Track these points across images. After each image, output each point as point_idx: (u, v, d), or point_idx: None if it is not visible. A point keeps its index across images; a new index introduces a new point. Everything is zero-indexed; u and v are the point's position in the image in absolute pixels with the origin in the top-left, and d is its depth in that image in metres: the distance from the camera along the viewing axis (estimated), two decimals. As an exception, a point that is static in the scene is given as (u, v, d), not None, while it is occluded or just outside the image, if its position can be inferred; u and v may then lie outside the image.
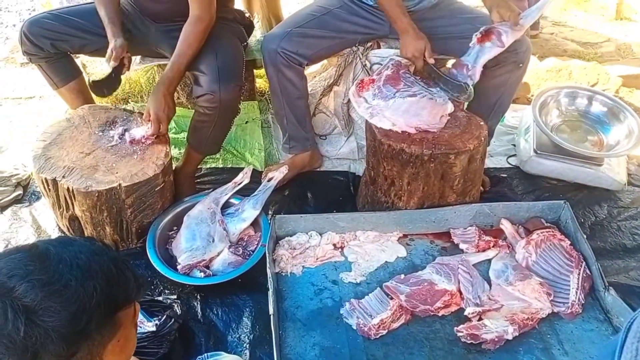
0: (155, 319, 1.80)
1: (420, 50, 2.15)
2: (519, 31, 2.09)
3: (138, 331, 1.78)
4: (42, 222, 2.31)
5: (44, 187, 2.09)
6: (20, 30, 2.24)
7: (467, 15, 2.29)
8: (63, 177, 2.00)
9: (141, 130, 2.15)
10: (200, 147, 2.31)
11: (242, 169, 2.58)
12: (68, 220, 2.14)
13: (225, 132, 2.31)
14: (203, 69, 2.14)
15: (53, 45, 2.25)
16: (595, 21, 4.13)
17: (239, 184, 2.28)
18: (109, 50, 2.18)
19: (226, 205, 2.26)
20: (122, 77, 2.29)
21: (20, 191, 2.45)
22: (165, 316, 1.80)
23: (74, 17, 2.26)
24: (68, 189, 2.00)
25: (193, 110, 2.28)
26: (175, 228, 2.18)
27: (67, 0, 3.39)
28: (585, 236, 2.09)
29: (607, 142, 2.60)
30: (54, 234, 2.26)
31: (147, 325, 1.77)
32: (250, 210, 2.19)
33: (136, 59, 2.65)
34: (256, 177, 2.50)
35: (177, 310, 1.91)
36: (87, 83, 2.22)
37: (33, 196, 2.45)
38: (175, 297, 1.98)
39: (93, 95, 2.51)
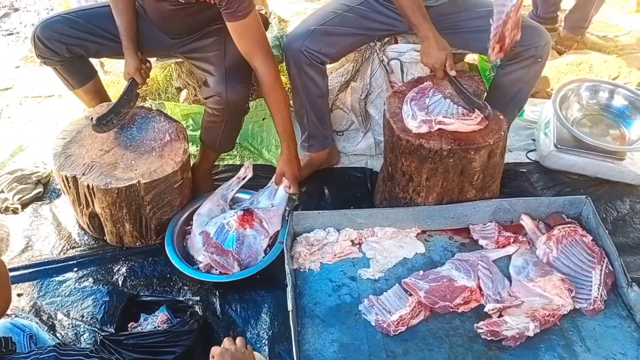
0: (178, 319, 1.84)
1: (442, 61, 2.08)
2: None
3: (157, 327, 1.82)
4: (63, 219, 2.34)
5: (64, 185, 2.11)
6: (33, 34, 2.19)
7: (484, 8, 2.25)
8: (83, 174, 2.02)
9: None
10: (213, 145, 2.31)
11: (260, 165, 2.60)
12: (88, 217, 2.16)
13: (236, 130, 2.31)
14: (211, 70, 2.13)
15: (68, 50, 2.21)
16: (615, 14, 4.06)
17: (242, 179, 2.28)
18: (125, 73, 2.21)
19: (237, 200, 2.27)
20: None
21: (40, 189, 2.48)
22: (185, 315, 1.83)
23: (87, 22, 2.21)
24: (88, 186, 2.01)
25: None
26: (191, 222, 2.19)
27: (86, 0, 3.41)
28: (607, 231, 2.06)
29: (629, 136, 2.55)
30: (74, 231, 2.28)
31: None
32: (265, 201, 2.19)
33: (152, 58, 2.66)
34: (273, 173, 2.50)
35: (199, 311, 1.93)
36: (91, 122, 2.16)
37: (53, 194, 2.48)
38: (197, 298, 2.01)
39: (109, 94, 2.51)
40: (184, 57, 2.33)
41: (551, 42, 2.22)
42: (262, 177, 2.48)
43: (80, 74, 2.39)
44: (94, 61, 2.58)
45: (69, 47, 2.22)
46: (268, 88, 2.10)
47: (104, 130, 2.16)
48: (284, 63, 2.35)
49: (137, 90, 2.27)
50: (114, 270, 2.12)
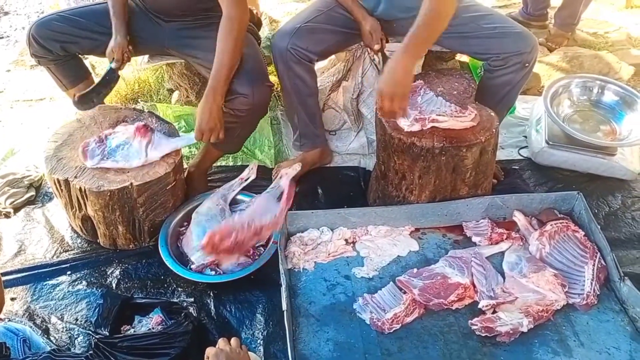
0: (173, 320, 1.84)
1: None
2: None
3: (150, 329, 1.82)
4: (55, 222, 2.33)
5: (57, 188, 2.10)
6: (28, 33, 2.22)
7: (471, 14, 2.24)
8: (75, 177, 2.02)
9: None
10: (224, 146, 2.30)
11: (252, 166, 2.60)
12: (81, 220, 2.15)
13: (250, 132, 2.30)
14: None
15: (62, 48, 2.24)
16: (605, 10, 4.08)
17: (245, 180, 2.28)
18: (108, 49, 2.21)
19: (235, 202, 2.26)
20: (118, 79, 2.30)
21: (32, 192, 2.47)
22: (179, 317, 1.82)
23: (83, 19, 2.24)
24: (80, 189, 2.01)
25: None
26: (185, 224, 2.18)
27: (75, 2, 3.40)
28: (599, 227, 2.07)
29: (620, 131, 2.57)
30: (67, 234, 2.28)
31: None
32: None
33: (144, 58, 2.66)
34: (266, 175, 2.51)
35: (193, 312, 1.92)
36: (73, 99, 2.25)
37: (45, 197, 2.47)
38: (192, 300, 2.01)
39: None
40: (183, 56, 2.32)
41: (538, 47, 2.20)
42: (256, 177, 2.48)
43: (73, 74, 2.40)
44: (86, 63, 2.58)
45: (63, 45, 2.23)
46: (228, 35, 1.98)
47: (84, 108, 2.23)
48: (273, 62, 2.35)
49: (118, 73, 2.28)
50: (108, 273, 2.12)
